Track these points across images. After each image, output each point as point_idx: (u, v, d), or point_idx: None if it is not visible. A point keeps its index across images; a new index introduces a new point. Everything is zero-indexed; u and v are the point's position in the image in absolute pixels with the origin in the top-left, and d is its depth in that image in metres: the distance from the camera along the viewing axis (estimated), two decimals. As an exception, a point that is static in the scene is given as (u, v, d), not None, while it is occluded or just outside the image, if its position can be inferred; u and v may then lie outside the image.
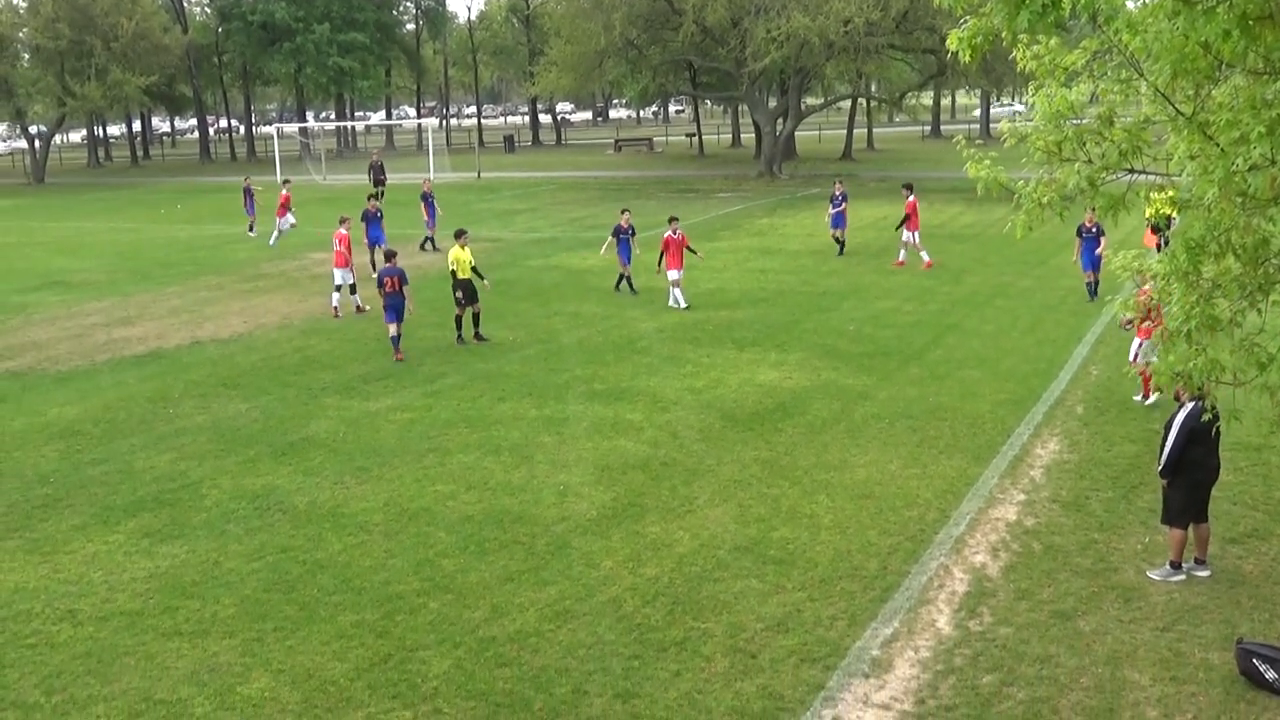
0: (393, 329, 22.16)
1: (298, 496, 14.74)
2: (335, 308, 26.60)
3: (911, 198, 31.31)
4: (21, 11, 78.39)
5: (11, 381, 21.36)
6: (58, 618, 11.58)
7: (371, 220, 32.18)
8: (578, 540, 13.06)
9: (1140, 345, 17.63)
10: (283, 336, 24.47)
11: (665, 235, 25.80)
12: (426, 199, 37.12)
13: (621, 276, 27.88)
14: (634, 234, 27.79)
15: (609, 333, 23.64)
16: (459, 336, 23.07)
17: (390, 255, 22.99)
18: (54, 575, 12.59)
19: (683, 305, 25.61)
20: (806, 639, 10.59)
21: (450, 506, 14.23)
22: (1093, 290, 24.74)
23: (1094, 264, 24.51)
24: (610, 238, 28.04)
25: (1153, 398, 17.32)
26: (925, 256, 30.67)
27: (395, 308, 22.12)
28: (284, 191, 39.40)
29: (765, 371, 20.09)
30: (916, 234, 30.96)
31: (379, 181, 58.32)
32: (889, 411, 17.54)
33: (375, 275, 23.80)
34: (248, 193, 43.53)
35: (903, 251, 31.26)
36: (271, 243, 38.84)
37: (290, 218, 39.01)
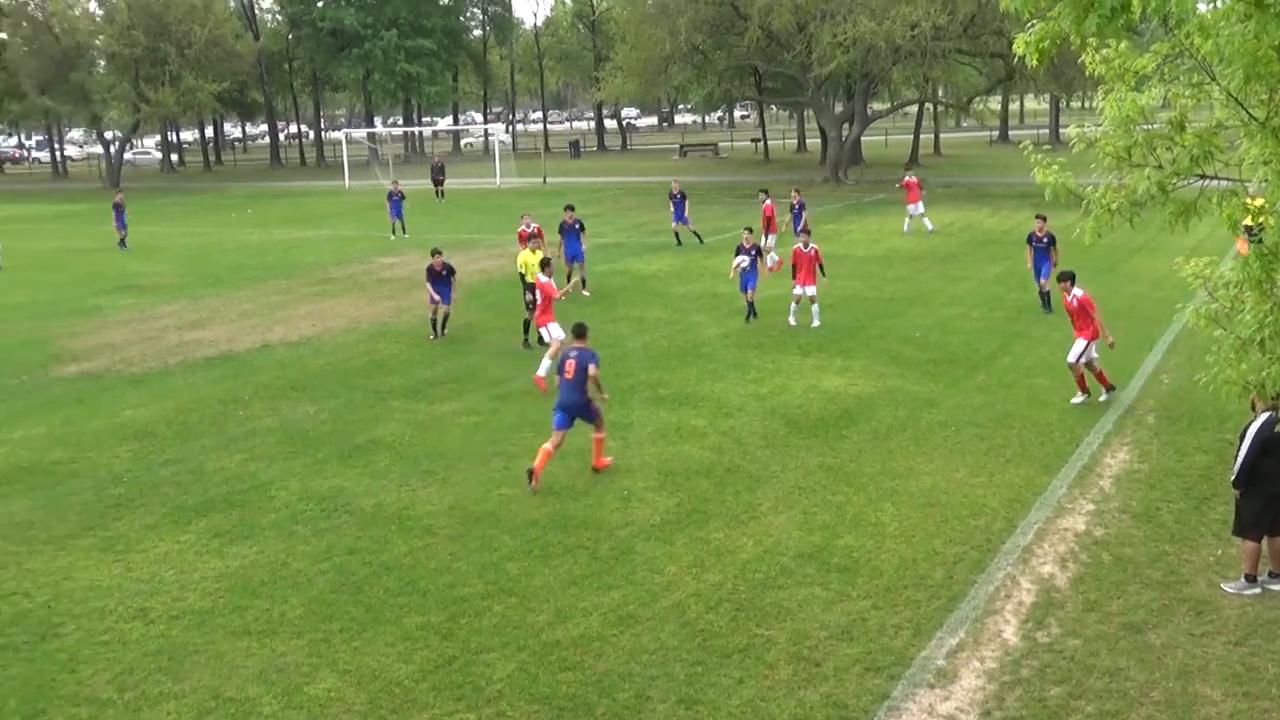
0: (431, 311, 24.43)
1: (364, 499, 14.89)
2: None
3: (768, 202, 32.47)
4: (98, 19, 79.96)
5: (88, 383, 21.77)
6: (130, 615, 11.78)
7: (569, 233, 29.54)
8: (641, 545, 13.08)
9: (1086, 346, 17.89)
10: (350, 340, 24.73)
11: (795, 248, 24.57)
12: (674, 198, 37.82)
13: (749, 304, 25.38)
14: (760, 254, 25.51)
15: (674, 338, 23.65)
16: (525, 340, 23.17)
17: (437, 252, 24.59)
18: (127, 574, 12.82)
19: (815, 323, 24.17)
20: (871, 648, 10.53)
21: (514, 510, 14.31)
22: (1045, 301, 24.39)
23: (1046, 274, 24.08)
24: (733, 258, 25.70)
25: (1081, 398, 17.97)
26: (775, 257, 30.57)
27: (442, 293, 24.16)
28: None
29: (830, 378, 20.00)
30: (774, 238, 32.26)
31: (438, 181, 59.76)
32: (955, 419, 17.40)
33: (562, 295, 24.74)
34: (393, 197, 43.81)
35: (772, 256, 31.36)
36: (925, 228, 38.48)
37: (920, 206, 39.13)
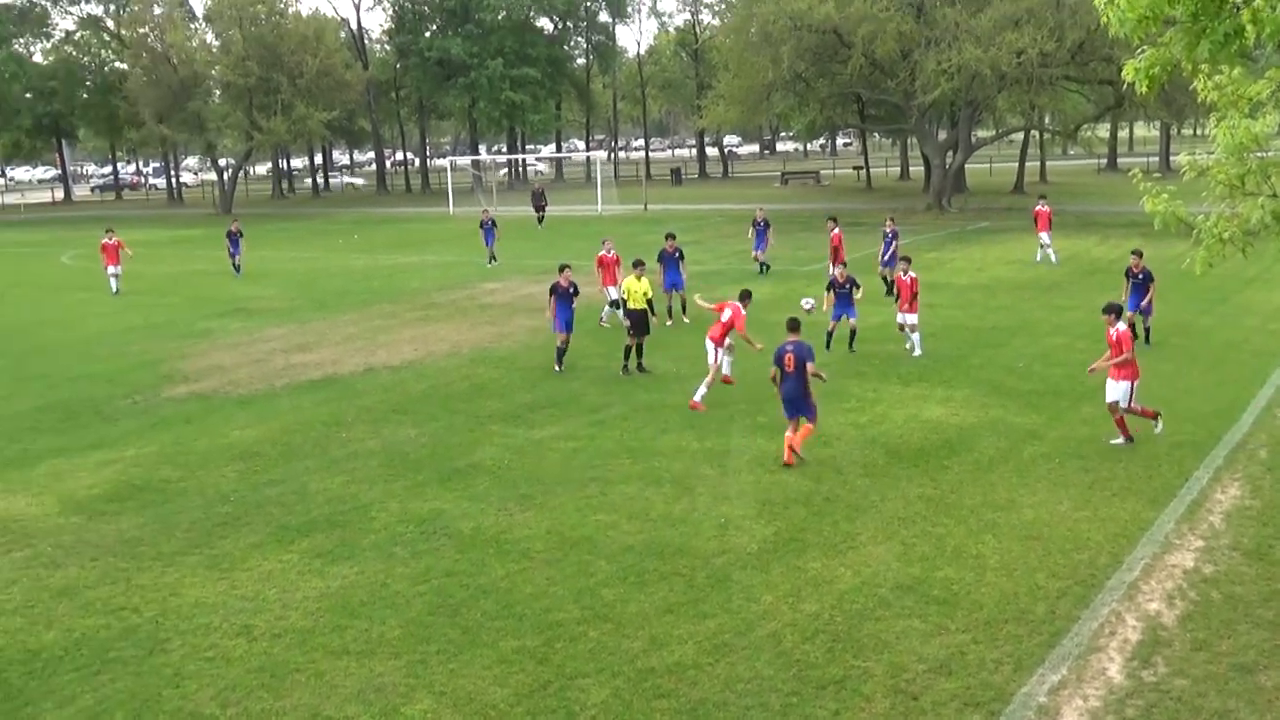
0: (562, 340, 23.55)
1: (463, 522, 15.02)
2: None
3: (836, 230, 31.97)
4: (214, 50, 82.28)
5: (197, 403, 22.29)
6: (234, 632, 12.01)
7: (668, 261, 29.30)
8: (738, 574, 13.02)
9: (1130, 388, 17.25)
10: (452, 364, 25.00)
11: (896, 275, 24.51)
12: (758, 226, 37.73)
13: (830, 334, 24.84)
14: (856, 287, 24.71)
15: (772, 366, 23.48)
16: (624, 367, 23.22)
17: (565, 267, 24.10)
18: (231, 591, 13.07)
19: (916, 352, 24.04)
20: (970, 682, 10.35)
21: (611, 536, 14.33)
22: (1145, 336, 23.66)
23: (1141, 308, 23.54)
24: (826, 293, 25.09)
25: (1122, 440, 17.26)
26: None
27: (564, 316, 23.51)
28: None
29: (931, 407, 19.76)
30: (842, 267, 31.20)
31: (539, 207, 60.61)
32: (1059, 451, 17.09)
33: (671, 321, 26.77)
34: (485, 225, 44.09)
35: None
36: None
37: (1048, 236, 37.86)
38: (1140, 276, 23.69)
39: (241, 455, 18.59)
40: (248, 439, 19.55)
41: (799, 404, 16.95)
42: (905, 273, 24.24)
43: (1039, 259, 37.93)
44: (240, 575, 13.53)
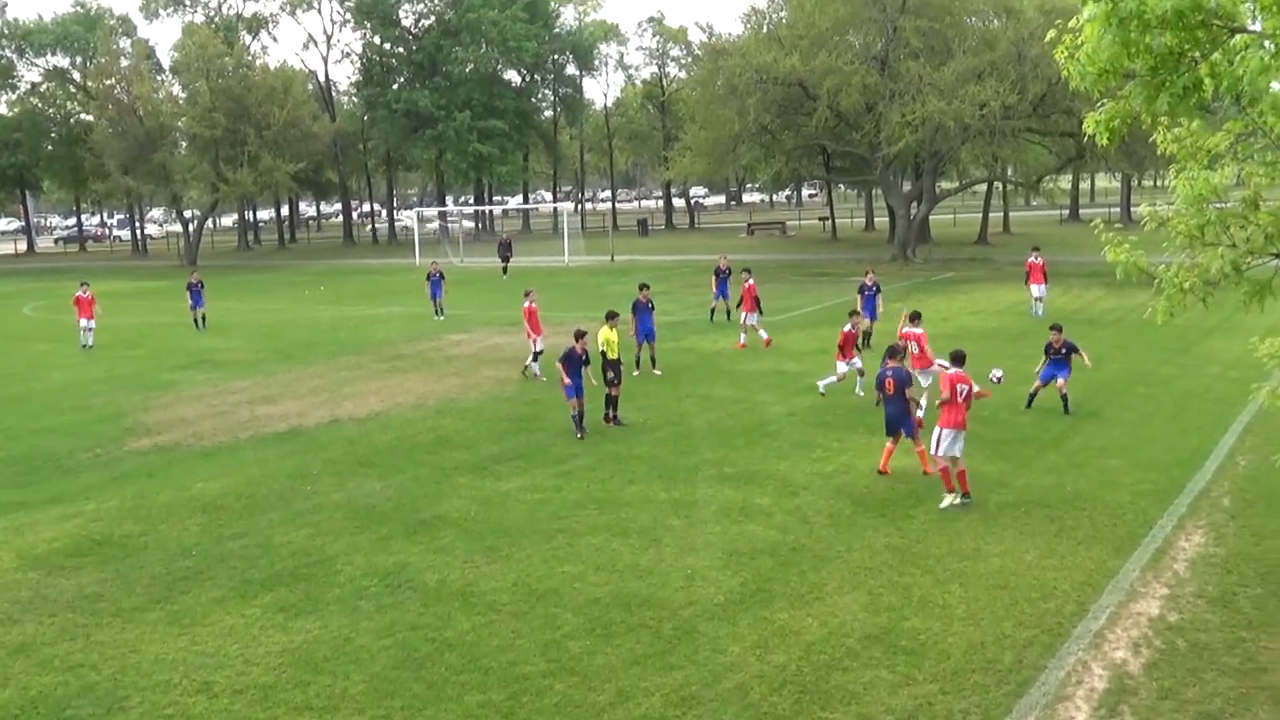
0: (575, 407, 22.29)
1: (428, 574, 14.89)
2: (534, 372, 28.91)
3: (750, 281, 32.97)
4: (181, 102, 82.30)
5: (159, 456, 22.07)
6: (195, 689, 11.82)
7: (642, 311, 29.31)
8: (705, 625, 12.95)
9: (943, 435, 17.02)
10: (417, 416, 24.89)
11: (843, 328, 25.25)
12: (721, 274, 38.43)
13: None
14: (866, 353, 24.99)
15: (739, 416, 23.56)
16: (606, 416, 23.07)
17: (581, 335, 22.65)
18: (192, 647, 12.88)
19: (821, 386, 24.63)
20: (938, 733, 10.30)
21: (578, 588, 14.23)
22: (1064, 405, 23.21)
23: (1066, 374, 23.32)
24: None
25: (952, 499, 16.94)
26: (764, 334, 32.57)
27: (579, 384, 22.21)
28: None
29: (897, 456, 19.73)
30: (755, 316, 32.87)
31: (505, 257, 60.82)
32: (1025, 499, 17.13)
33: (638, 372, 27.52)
34: (433, 277, 43.84)
35: (743, 335, 32.86)
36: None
37: (1043, 289, 37.33)
38: (1063, 351, 23.48)
39: (204, 508, 18.40)
40: (211, 492, 19.36)
41: (899, 422, 18.37)
42: (853, 326, 25.07)
43: (1041, 312, 36.67)
44: (201, 631, 13.35)
